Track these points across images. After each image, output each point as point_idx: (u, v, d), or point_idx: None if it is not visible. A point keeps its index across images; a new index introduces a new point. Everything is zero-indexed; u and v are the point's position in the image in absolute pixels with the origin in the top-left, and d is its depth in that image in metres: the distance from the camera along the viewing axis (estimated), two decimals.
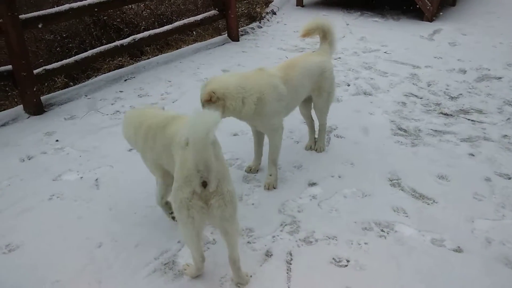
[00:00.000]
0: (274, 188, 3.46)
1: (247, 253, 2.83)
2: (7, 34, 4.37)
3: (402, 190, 3.43)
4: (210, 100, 3.01)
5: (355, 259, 2.76)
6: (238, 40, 7.07)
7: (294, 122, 4.40)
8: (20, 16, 4.43)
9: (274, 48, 6.72)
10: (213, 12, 6.92)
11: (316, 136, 4.05)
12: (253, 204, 3.30)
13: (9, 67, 4.59)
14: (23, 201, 3.35)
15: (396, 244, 2.89)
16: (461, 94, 5.13)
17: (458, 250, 2.85)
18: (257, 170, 3.71)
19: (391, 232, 2.99)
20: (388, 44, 6.86)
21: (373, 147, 4.04)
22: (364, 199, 3.33)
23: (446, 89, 5.27)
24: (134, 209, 3.26)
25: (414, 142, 4.10)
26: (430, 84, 5.40)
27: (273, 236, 2.96)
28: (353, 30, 7.59)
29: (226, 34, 7.12)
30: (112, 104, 4.98)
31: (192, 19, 6.66)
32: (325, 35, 3.77)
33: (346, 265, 2.72)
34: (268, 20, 8.17)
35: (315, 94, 3.71)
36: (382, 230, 3.00)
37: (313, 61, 3.63)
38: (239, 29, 7.21)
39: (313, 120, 4.04)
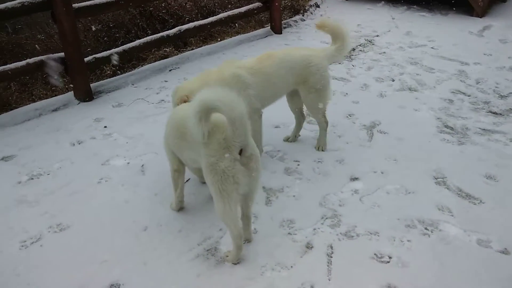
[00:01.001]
0: None
1: (287, 243, 2.85)
2: (60, 23, 4.55)
3: (447, 188, 3.35)
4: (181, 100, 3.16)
5: (397, 255, 2.73)
6: (281, 33, 7.06)
7: (336, 117, 4.38)
8: (73, 5, 4.59)
9: (317, 41, 6.66)
10: (257, 4, 6.93)
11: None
12: (294, 196, 3.32)
13: (62, 54, 4.78)
14: (73, 183, 3.50)
15: (440, 243, 2.84)
16: (511, 92, 4.94)
17: (505, 252, 2.77)
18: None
19: (435, 230, 2.94)
20: (436, 39, 6.67)
21: (418, 144, 3.96)
22: (407, 196, 3.28)
23: (496, 87, 5.08)
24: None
25: (461, 141, 3.99)
26: (479, 82, 5.22)
27: (314, 229, 2.97)
28: (399, 24, 7.42)
29: (269, 27, 7.12)
30: (157, 93, 5.10)
31: (236, 11, 6.70)
32: (336, 39, 3.78)
33: (388, 262, 2.70)
34: (311, 13, 8.10)
35: (301, 89, 3.69)
36: (426, 228, 2.95)
37: (296, 53, 3.66)
38: (282, 22, 7.19)
39: (302, 116, 4.04)
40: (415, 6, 8.43)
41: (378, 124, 4.30)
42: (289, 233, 2.94)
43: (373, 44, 6.56)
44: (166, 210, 3.19)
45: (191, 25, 6.16)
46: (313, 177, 3.53)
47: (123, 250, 2.83)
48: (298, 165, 3.69)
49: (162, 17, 7.80)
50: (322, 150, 3.90)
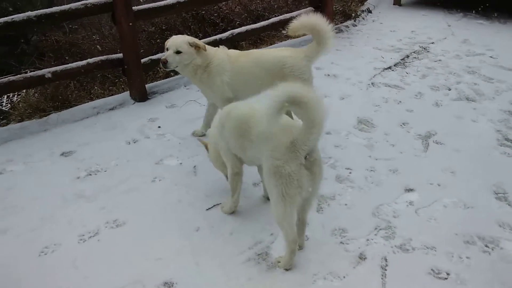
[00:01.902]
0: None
1: (339, 253, 2.81)
2: (120, 25, 4.70)
3: (509, 205, 3.20)
4: (197, 46, 3.70)
5: (455, 272, 2.63)
6: None
7: (389, 125, 4.29)
8: (133, 8, 4.74)
9: (369, 47, 6.56)
10: (308, 9, 6.90)
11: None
12: (346, 204, 3.27)
13: (120, 55, 4.95)
14: (128, 181, 3.60)
15: (501, 262, 2.71)
16: None
17: None
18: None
19: (496, 248, 2.81)
20: (494, 48, 6.39)
21: (477, 156, 3.80)
22: (466, 211, 3.16)
23: None
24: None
25: None
26: None
27: (367, 239, 2.91)
28: (456, 32, 7.17)
29: None
30: (194, 90, 5.15)
31: (288, 15, 6.68)
32: (313, 35, 3.73)
33: (446, 278, 2.60)
34: (363, 19, 7.98)
35: None
36: (486, 246, 2.82)
37: (272, 54, 3.78)
38: (333, 27, 7.11)
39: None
40: (472, 14, 8.13)
41: (434, 134, 4.16)
42: (341, 242, 2.89)
43: (428, 51, 6.37)
44: (217, 212, 3.21)
45: (243, 29, 6.20)
46: (365, 185, 3.46)
47: (176, 249, 2.88)
48: (350, 173, 3.63)
49: (213, 20, 7.93)
50: None
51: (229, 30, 6.31)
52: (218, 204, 3.27)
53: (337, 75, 5.60)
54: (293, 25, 3.67)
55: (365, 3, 8.73)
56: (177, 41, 3.74)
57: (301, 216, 2.74)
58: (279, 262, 2.73)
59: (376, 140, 4.08)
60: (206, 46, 3.80)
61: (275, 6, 8.84)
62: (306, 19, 3.65)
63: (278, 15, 7.03)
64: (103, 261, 2.80)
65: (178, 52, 3.72)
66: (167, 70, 4.06)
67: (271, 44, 6.82)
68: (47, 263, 2.81)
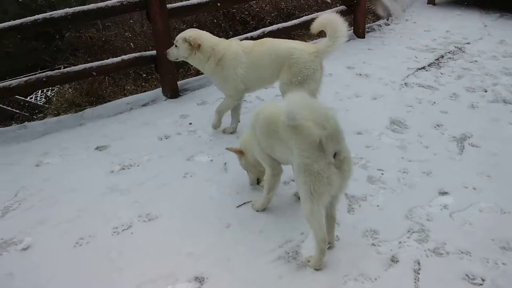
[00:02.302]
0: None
1: (371, 255, 2.78)
2: (155, 22, 4.77)
3: None
4: (195, 44, 3.84)
5: (491, 278, 2.56)
6: (364, 37, 6.91)
7: (423, 127, 4.23)
8: (168, 6, 4.80)
9: (402, 47, 6.46)
10: (341, 7, 6.84)
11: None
12: (378, 206, 3.23)
13: (153, 52, 5.02)
14: (161, 176, 3.66)
15: None
16: None
17: None
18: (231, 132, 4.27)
19: None
20: None
21: None
22: (503, 216, 3.07)
23: None
24: (259, 196, 3.37)
25: None
26: None
27: (400, 242, 2.87)
28: (492, 32, 6.99)
29: (352, 31, 7.00)
30: None
31: (319, 14, 6.64)
32: (326, 31, 3.79)
33: (481, 284, 2.54)
34: (396, 18, 7.86)
35: (281, 77, 3.89)
36: None
37: (284, 44, 3.89)
38: (365, 26, 7.04)
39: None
40: (509, 14, 7.90)
41: (469, 137, 4.07)
42: (373, 244, 2.86)
43: (463, 51, 6.23)
44: (247, 209, 3.23)
45: (274, 27, 6.20)
46: (398, 187, 3.41)
47: (207, 244, 2.91)
48: (382, 174, 3.59)
49: (244, 19, 7.95)
50: None
51: (260, 28, 6.32)
52: (248, 202, 3.28)
53: (369, 75, 5.54)
54: (314, 24, 3.79)
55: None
56: (179, 35, 3.97)
57: (329, 211, 2.76)
58: (308, 261, 2.73)
59: (409, 142, 4.02)
60: (213, 40, 3.94)
61: (306, 5, 8.81)
62: (324, 16, 3.79)
63: (309, 14, 7.00)
64: (136, 254, 2.85)
65: (176, 46, 3.99)
66: (171, 60, 4.22)
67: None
68: (82, 254, 2.89)
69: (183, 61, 5.22)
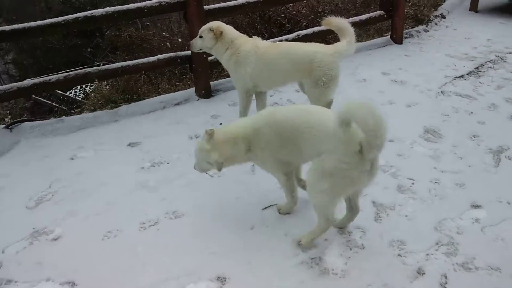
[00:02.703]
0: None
1: (396, 265, 2.72)
2: (191, 23, 4.84)
3: None
4: (215, 32, 4.01)
5: None
6: (401, 43, 6.78)
7: (459, 137, 4.10)
8: (204, 7, 4.86)
9: (440, 54, 6.29)
10: (379, 12, 6.73)
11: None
12: (406, 216, 3.15)
13: (188, 52, 5.10)
14: (189, 175, 3.69)
15: None
16: None
17: None
18: None
19: None
20: None
21: None
22: None
23: None
24: (285, 199, 3.36)
25: None
26: None
27: (427, 254, 2.79)
28: None
29: (389, 36, 6.88)
30: (271, 96, 5.19)
31: (356, 18, 6.57)
32: (342, 34, 3.86)
33: None
34: (436, 24, 7.67)
35: (305, 83, 3.96)
36: None
37: (302, 48, 3.92)
38: (403, 32, 6.90)
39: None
40: None
41: (506, 149, 3.91)
42: (399, 255, 2.79)
43: (504, 61, 6.00)
44: (273, 212, 3.22)
45: (309, 30, 6.17)
46: (428, 198, 3.33)
47: (231, 245, 2.92)
48: (413, 183, 3.50)
49: (280, 21, 7.95)
50: None
51: (295, 31, 6.31)
52: (274, 204, 3.28)
53: (404, 82, 5.42)
54: (332, 20, 3.88)
55: (438, 8, 8.39)
56: (203, 27, 4.11)
57: (353, 203, 2.89)
58: (300, 241, 2.86)
59: (443, 152, 3.91)
60: (234, 33, 4.09)
61: (344, 8, 8.72)
62: (342, 21, 3.87)
63: (346, 18, 6.92)
64: (161, 250, 2.90)
65: (201, 37, 4.12)
66: (194, 51, 4.36)
67: None
68: (109, 247, 2.96)
69: (216, 61, 5.29)
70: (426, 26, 7.54)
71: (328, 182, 2.58)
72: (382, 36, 7.15)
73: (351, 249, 2.86)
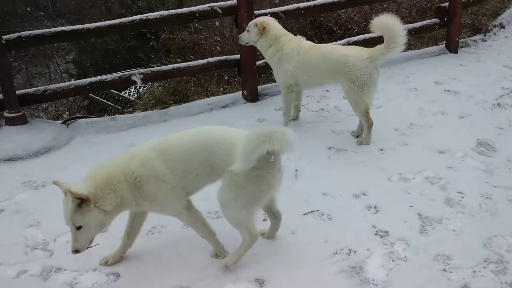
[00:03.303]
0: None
1: (441, 280, 2.63)
2: (241, 27, 4.89)
3: None
4: (260, 27, 4.19)
5: None
6: (457, 52, 6.55)
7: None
8: (255, 12, 4.93)
9: (498, 65, 6.02)
10: (434, 20, 6.55)
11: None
12: (453, 230, 3.04)
13: (238, 56, 5.18)
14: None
15: None
16: None
17: None
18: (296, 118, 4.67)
19: None
20: None
21: None
22: None
23: None
24: (327, 206, 3.33)
25: None
26: None
27: (474, 271, 2.68)
28: None
29: (444, 45, 6.66)
30: (317, 102, 5.18)
31: (410, 26, 6.41)
32: (385, 36, 3.85)
33: None
34: (494, 34, 7.35)
35: (342, 86, 4.07)
36: None
37: (338, 51, 4.04)
38: (459, 40, 6.66)
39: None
40: None
41: None
42: (444, 270, 2.70)
43: None
44: (314, 218, 3.21)
45: (360, 37, 6.10)
46: (478, 213, 3.19)
47: (271, 248, 2.93)
48: (462, 197, 3.37)
49: (330, 27, 7.90)
50: (363, 144, 4.13)
51: (346, 37, 6.25)
52: (316, 211, 3.26)
53: (458, 92, 5.24)
54: (374, 23, 3.92)
55: (498, 17, 8.04)
56: (250, 22, 4.32)
57: (274, 210, 2.94)
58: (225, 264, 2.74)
59: (497, 166, 3.74)
60: (279, 31, 4.24)
61: (399, 15, 8.54)
62: (381, 18, 3.85)
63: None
64: (202, 248, 2.94)
65: (248, 31, 4.32)
66: (241, 44, 4.57)
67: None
68: (153, 242, 3.05)
69: (264, 66, 5.34)
70: (484, 35, 7.25)
71: (244, 195, 2.57)
72: (436, 45, 6.94)
73: (393, 260, 2.79)
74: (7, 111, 4.41)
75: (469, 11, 8.12)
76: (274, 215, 2.97)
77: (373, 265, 2.75)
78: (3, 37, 4.23)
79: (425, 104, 4.95)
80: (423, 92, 5.28)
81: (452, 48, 6.55)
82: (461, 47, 6.72)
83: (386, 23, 3.81)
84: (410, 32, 6.48)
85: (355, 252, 2.87)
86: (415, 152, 4.01)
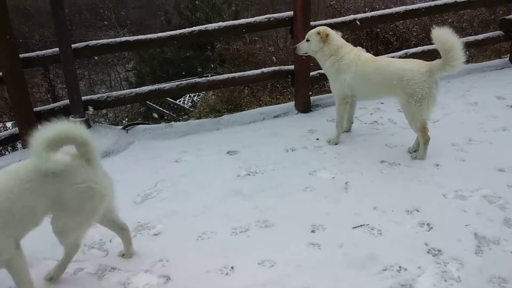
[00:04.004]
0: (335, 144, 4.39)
1: None
2: (297, 38, 4.95)
3: None
4: (321, 35, 4.24)
5: None
6: None
7: None
8: (311, 23, 4.95)
9: None
10: (497, 33, 6.28)
11: None
12: (511, 252, 2.90)
13: (291, 67, 5.23)
14: (281, 186, 3.78)
15: None
16: None
17: None
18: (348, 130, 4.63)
19: None
20: None
21: None
22: None
23: None
24: (378, 220, 3.28)
25: None
26: None
27: None
28: None
29: (508, 58, 6.36)
30: (371, 114, 5.11)
31: (472, 38, 6.21)
32: (443, 52, 3.71)
33: None
34: None
35: (399, 99, 4.00)
36: None
37: (395, 65, 3.97)
38: None
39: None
40: None
41: None
42: None
43: None
44: (363, 232, 3.16)
45: (418, 49, 5.97)
46: None
47: (318, 259, 2.92)
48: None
49: (387, 38, 7.79)
50: (419, 158, 4.03)
51: (403, 49, 6.13)
52: (365, 225, 3.21)
53: None
54: (436, 32, 3.73)
55: None
56: (310, 31, 4.35)
57: (117, 222, 2.90)
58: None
59: None
60: (340, 41, 4.28)
61: (460, 27, 8.25)
62: (439, 31, 3.70)
63: (460, 37, 6.54)
64: (249, 256, 2.99)
65: (308, 40, 4.33)
66: (299, 54, 4.56)
67: None
68: (203, 247, 3.13)
69: (318, 76, 5.35)
70: None
71: (79, 217, 2.53)
72: (499, 58, 6.64)
73: (446, 280, 2.70)
74: (73, 115, 4.70)
75: None
76: (119, 228, 2.93)
77: (424, 284, 2.67)
78: (72, 45, 4.52)
79: (486, 119, 4.75)
80: (484, 107, 5.07)
81: None
82: None
83: (442, 36, 3.68)
84: (472, 45, 6.30)
85: (405, 269, 2.80)
86: (473, 169, 3.85)
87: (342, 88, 4.25)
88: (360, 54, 4.18)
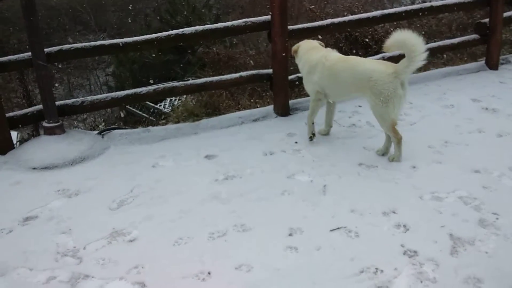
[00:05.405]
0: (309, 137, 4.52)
1: None
2: (274, 42, 4.96)
3: None
4: (293, 52, 4.62)
5: None
6: (497, 69, 6.34)
7: None
8: (288, 27, 4.96)
9: None
10: (473, 36, 6.39)
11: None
12: (486, 252, 2.92)
13: (270, 71, 5.21)
14: (260, 190, 3.75)
15: None
16: None
17: None
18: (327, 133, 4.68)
19: None
20: None
21: None
22: None
23: None
24: (355, 223, 3.28)
25: None
26: None
27: None
28: None
29: (484, 61, 6.47)
30: (349, 117, 5.13)
31: (448, 41, 6.30)
32: (404, 51, 3.78)
33: None
34: None
35: (368, 100, 4.06)
36: None
37: (364, 65, 4.04)
38: (500, 57, 6.46)
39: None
40: None
41: None
42: None
43: None
44: (340, 235, 3.16)
45: (395, 52, 5.98)
46: None
47: (296, 264, 2.90)
48: (497, 218, 3.24)
49: (366, 42, 7.86)
50: (394, 161, 4.07)
51: (381, 53, 6.18)
52: (343, 227, 3.21)
53: (497, 110, 5.07)
54: (387, 42, 3.89)
55: None
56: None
57: None
58: None
59: None
60: (310, 45, 4.52)
61: (438, 31, 8.39)
62: (396, 35, 3.80)
63: (438, 41, 6.65)
64: (227, 261, 2.95)
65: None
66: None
67: (424, 71, 6.46)
68: (179, 253, 3.08)
69: (298, 81, 5.37)
70: None
71: None
72: (476, 61, 6.75)
73: (421, 281, 2.71)
74: (46, 120, 4.60)
75: (511, 27, 7.88)
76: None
77: (400, 286, 2.67)
78: (45, 50, 4.43)
79: (462, 122, 4.81)
80: (460, 109, 5.14)
81: (492, 64, 6.35)
82: (502, 64, 6.51)
83: (397, 39, 3.79)
84: (449, 48, 6.39)
85: (382, 271, 2.80)
86: (449, 171, 3.90)
87: (312, 86, 4.42)
88: (327, 55, 4.28)
